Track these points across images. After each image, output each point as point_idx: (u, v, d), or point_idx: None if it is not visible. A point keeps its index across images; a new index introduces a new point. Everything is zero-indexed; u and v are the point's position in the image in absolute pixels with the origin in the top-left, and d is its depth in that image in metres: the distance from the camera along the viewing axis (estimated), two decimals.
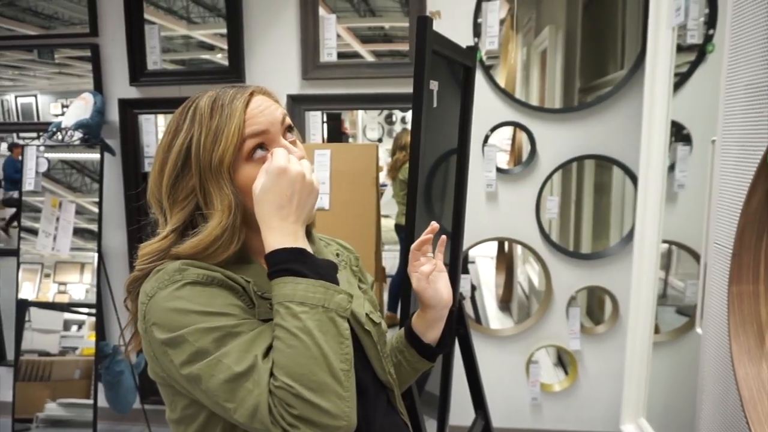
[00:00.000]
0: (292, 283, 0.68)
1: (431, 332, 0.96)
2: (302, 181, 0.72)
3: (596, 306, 2.77)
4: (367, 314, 0.88)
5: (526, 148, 2.49)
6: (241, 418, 0.66)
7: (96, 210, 2.46)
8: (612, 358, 2.34)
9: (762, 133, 1.02)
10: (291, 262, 0.69)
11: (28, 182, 2.43)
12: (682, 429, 1.78)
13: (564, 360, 2.64)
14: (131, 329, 0.80)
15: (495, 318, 3.06)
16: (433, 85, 1.34)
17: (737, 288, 0.94)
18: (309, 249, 0.72)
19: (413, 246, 0.92)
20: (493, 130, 2.30)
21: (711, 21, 2.05)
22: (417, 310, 0.97)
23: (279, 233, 0.71)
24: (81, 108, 2.39)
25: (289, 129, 0.81)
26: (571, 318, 2.36)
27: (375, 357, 0.88)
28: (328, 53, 2.34)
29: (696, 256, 2.17)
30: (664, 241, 2.06)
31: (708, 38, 2.06)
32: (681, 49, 2.01)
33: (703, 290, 1.31)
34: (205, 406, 0.72)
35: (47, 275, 2.53)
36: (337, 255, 0.95)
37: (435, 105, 1.37)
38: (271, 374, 0.65)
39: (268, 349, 0.68)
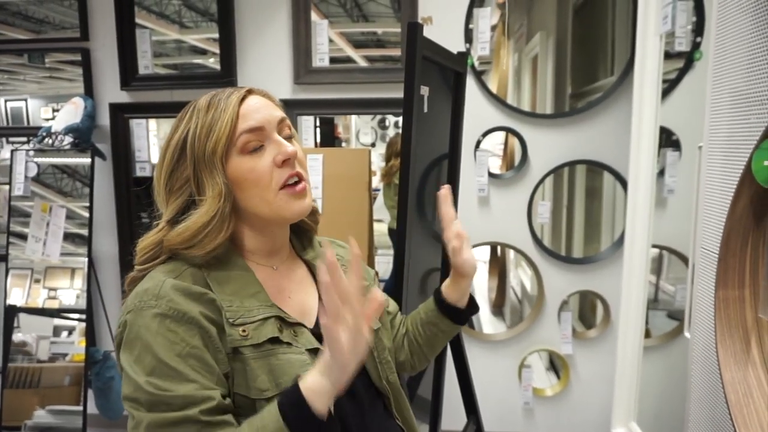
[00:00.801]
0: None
1: (464, 299, 1.01)
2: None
3: (588, 310, 2.78)
4: None
5: (518, 153, 2.51)
6: None
7: (86, 215, 2.45)
8: (603, 362, 2.35)
9: (746, 140, 1.04)
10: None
11: (17, 187, 2.42)
12: (672, 431, 1.79)
13: (556, 364, 2.65)
14: None
15: (487, 322, 3.06)
16: (424, 91, 1.35)
17: (723, 293, 0.95)
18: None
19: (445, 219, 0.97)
20: (485, 135, 2.31)
21: (698, 29, 2.07)
22: (446, 283, 1.02)
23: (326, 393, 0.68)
24: (71, 112, 2.38)
25: (288, 137, 0.82)
26: (563, 322, 2.37)
27: (370, 363, 0.88)
28: (320, 58, 2.35)
29: (685, 261, 2.19)
30: (655, 246, 2.07)
31: (695, 46, 2.08)
32: (669, 56, 2.03)
33: (692, 294, 1.32)
34: None
35: (37, 281, 2.51)
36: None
37: (426, 110, 1.38)
38: None
39: None
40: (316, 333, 0.81)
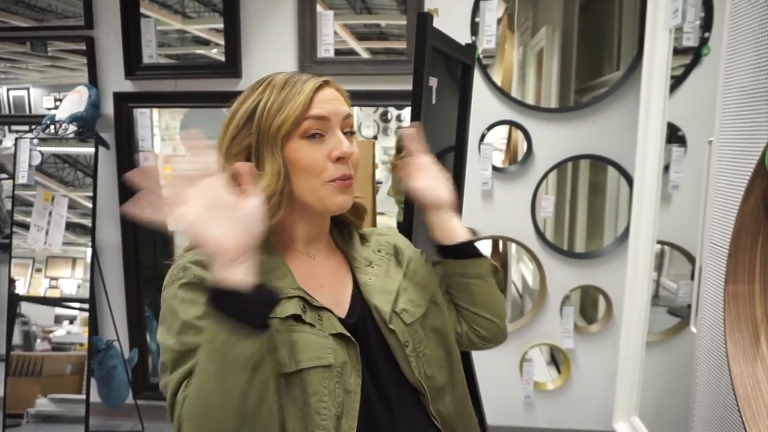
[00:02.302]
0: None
1: (455, 232, 0.92)
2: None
3: (589, 305, 2.79)
4: (396, 312, 0.85)
5: (521, 147, 2.51)
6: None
7: (88, 204, 2.44)
8: (605, 357, 2.35)
9: (758, 134, 1.03)
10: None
11: (21, 175, 2.41)
12: (673, 427, 1.80)
13: (557, 358, 2.66)
14: None
15: None
16: (432, 82, 1.34)
17: (733, 287, 0.95)
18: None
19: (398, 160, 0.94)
20: (489, 128, 2.31)
21: (707, 24, 2.06)
22: (431, 232, 0.94)
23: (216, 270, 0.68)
24: (75, 101, 2.37)
25: (351, 132, 0.83)
26: (565, 317, 2.37)
27: (402, 357, 0.84)
28: (326, 49, 2.34)
29: (689, 257, 2.19)
30: (658, 242, 2.08)
31: (704, 41, 2.08)
32: (677, 51, 2.03)
33: (698, 289, 1.32)
34: None
35: (38, 270, 2.51)
36: (379, 251, 0.94)
37: (434, 102, 1.38)
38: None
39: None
40: (346, 322, 0.81)
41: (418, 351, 0.85)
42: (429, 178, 0.93)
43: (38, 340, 2.52)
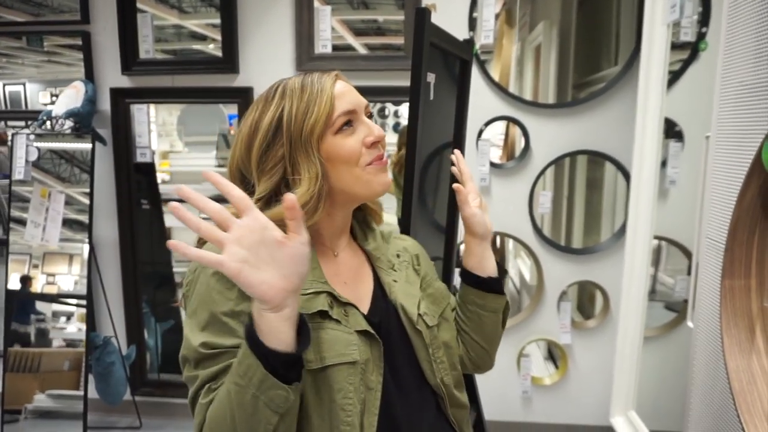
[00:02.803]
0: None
1: (485, 264, 0.97)
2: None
3: (586, 301, 2.79)
4: (420, 314, 0.87)
5: (518, 143, 2.51)
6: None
7: (85, 201, 2.43)
8: (602, 352, 2.36)
9: (755, 129, 1.04)
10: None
11: (18, 171, 2.40)
12: (670, 420, 1.81)
13: (554, 354, 2.66)
14: None
15: None
16: (430, 78, 1.34)
17: (729, 282, 0.95)
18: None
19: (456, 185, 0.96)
20: (487, 124, 2.30)
21: (704, 19, 2.06)
22: (464, 251, 0.98)
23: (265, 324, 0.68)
24: (72, 96, 2.36)
25: (370, 116, 0.86)
26: (562, 312, 2.38)
27: (425, 359, 0.86)
28: (323, 45, 2.33)
29: (686, 252, 2.20)
30: (655, 237, 2.08)
31: (701, 36, 2.08)
32: (674, 46, 2.03)
33: (695, 284, 1.32)
34: None
35: (35, 266, 2.51)
36: (398, 256, 0.95)
37: (432, 97, 1.37)
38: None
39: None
40: (369, 319, 0.82)
41: (436, 356, 0.87)
42: (479, 208, 0.96)
43: (52, 338, 2.52)
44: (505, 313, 1.00)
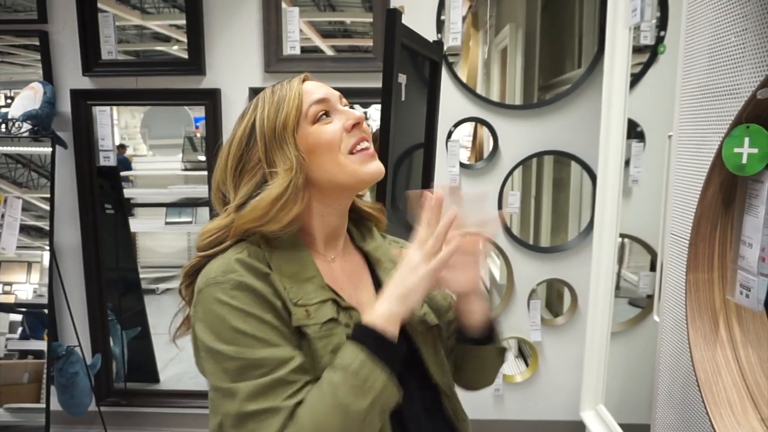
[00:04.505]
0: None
1: (478, 318, 0.89)
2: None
3: (555, 298, 2.85)
4: (423, 314, 0.87)
5: (487, 144, 2.54)
6: None
7: (44, 206, 2.35)
8: (571, 348, 2.41)
9: (715, 128, 1.08)
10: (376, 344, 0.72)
11: None
12: (637, 412, 1.85)
13: (524, 351, 2.70)
14: (183, 315, 0.83)
15: None
16: (402, 79, 1.34)
17: (693, 276, 0.98)
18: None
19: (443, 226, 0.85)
20: (456, 125, 2.33)
21: (662, 23, 2.14)
22: (456, 319, 0.91)
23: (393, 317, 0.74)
24: (30, 98, 2.27)
25: (350, 107, 0.86)
26: (532, 310, 2.42)
27: (432, 359, 0.85)
28: (291, 46, 2.31)
29: (649, 249, 2.26)
30: (619, 235, 2.14)
31: (659, 39, 2.15)
32: (634, 50, 2.09)
33: (660, 279, 1.36)
34: None
35: None
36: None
37: (403, 99, 1.38)
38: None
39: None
40: None
41: (438, 356, 0.88)
42: (455, 266, 0.84)
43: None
44: (502, 357, 0.94)
